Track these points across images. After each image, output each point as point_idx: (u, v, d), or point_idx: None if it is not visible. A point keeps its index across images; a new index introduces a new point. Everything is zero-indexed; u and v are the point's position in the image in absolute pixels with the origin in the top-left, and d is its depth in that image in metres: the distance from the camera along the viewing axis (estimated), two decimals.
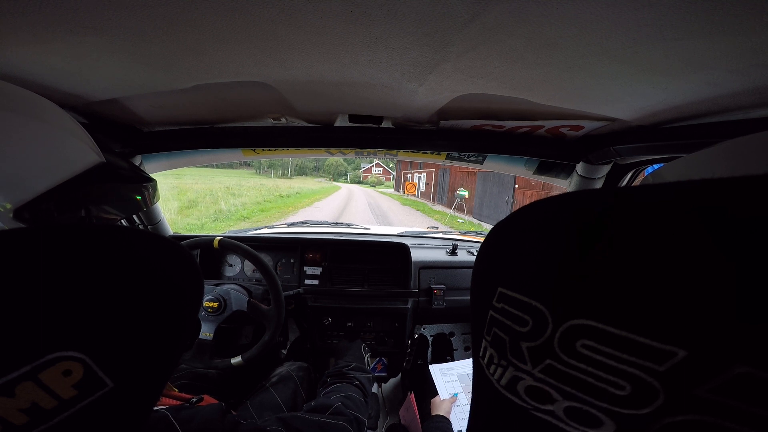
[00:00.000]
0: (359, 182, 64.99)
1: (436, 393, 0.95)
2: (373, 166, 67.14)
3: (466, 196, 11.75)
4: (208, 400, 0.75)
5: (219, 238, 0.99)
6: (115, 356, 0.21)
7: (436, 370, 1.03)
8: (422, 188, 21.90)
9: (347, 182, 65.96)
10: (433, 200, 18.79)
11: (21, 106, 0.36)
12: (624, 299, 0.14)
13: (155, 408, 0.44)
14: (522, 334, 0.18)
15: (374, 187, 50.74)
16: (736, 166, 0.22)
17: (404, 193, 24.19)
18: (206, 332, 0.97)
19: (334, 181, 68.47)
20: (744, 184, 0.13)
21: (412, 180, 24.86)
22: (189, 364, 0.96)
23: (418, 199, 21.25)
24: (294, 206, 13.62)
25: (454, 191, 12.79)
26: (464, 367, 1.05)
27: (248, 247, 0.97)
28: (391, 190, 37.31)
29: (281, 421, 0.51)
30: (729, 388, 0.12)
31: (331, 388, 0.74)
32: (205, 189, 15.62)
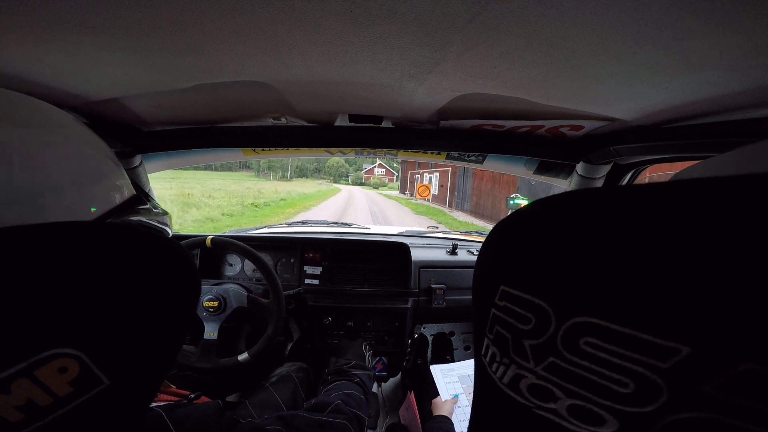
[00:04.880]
0: (361, 184, 62.64)
1: (436, 393, 0.95)
2: (375, 166, 64.76)
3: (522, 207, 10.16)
4: (206, 398, 0.75)
5: (211, 237, 0.99)
6: (111, 354, 0.21)
7: (437, 371, 1.03)
8: (435, 191, 19.03)
9: (348, 184, 63.50)
10: (450, 206, 16.09)
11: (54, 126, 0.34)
12: (627, 297, 0.14)
13: (151, 405, 0.43)
14: (525, 331, 0.18)
15: (377, 189, 47.21)
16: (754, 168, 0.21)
17: (416, 197, 19.65)
18: (210, 332, 0.98)
19: (335, 183, 65.79)
20: (747, 183, 0.13)
21: (422, 181, 21.11)
22: (197, 365, 0.96)
23: (431, 204, 17.85)
24: (271, 217, 10.86)
25: (480, 196, 10.99)
26: (465, 368, 1.05)
27: (241, 243, 0.98)
28: (396, 193, 32.97)
29: (281, 420, 0.51)
30: (733, 385, 0.12)
31: (332, 386, 0.74)
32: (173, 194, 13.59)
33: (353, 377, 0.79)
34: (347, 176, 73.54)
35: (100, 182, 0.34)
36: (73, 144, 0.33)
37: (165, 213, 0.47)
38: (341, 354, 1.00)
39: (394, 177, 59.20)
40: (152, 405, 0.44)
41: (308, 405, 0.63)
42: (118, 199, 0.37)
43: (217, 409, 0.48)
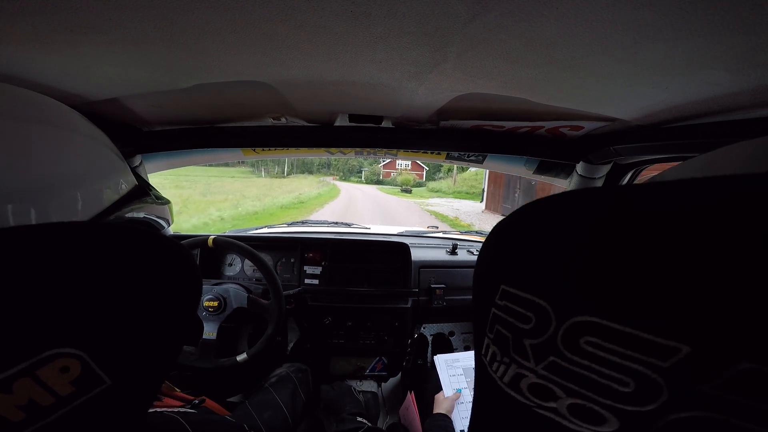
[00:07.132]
0: (378, 182, 45.22)
1: (437, 390, 0.95)
2: (396, 158, 49.86)
3: None
4: (210, 402, 0.75)
5: (213, 236, 0.99)
6: (113, 353, 0.21)
7: (441, 362, 1.01)
8: None
9: (361, 182, 46.59)
10: None
11: (59, 120, 0.34)
12: (628, 296, 0.14)
13: (163, 411, 0.43)
14: (525, 331, 0.18)
15: (409, 193, 25.18)
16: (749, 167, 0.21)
17: None
18: (209, 332, 0.98)
19: (342, 180, 48.99)
20: (747, 182, 0.13)
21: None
22: (196, 365, 0.96)
23: None
24: None
25: None
26: (470, 359, 1.02)
27: (242, 244, 0.98)
28: (472, 207, 13.79)
29: None
30: (734, 384, 0.12)
31: None
32: None
33: None
34: (360, 172, 54.65)
35: (108, 176, 0.35)
36: (81, 138, 0.34)
37: (167, 202, 0.47)
38: (337, 405, 0.96)
39: (423, 173, 43.30)
40: (162, 410, 0.44)
41: None
42: (123, 193, 0.37)
43: (242, 429, 0.46)
